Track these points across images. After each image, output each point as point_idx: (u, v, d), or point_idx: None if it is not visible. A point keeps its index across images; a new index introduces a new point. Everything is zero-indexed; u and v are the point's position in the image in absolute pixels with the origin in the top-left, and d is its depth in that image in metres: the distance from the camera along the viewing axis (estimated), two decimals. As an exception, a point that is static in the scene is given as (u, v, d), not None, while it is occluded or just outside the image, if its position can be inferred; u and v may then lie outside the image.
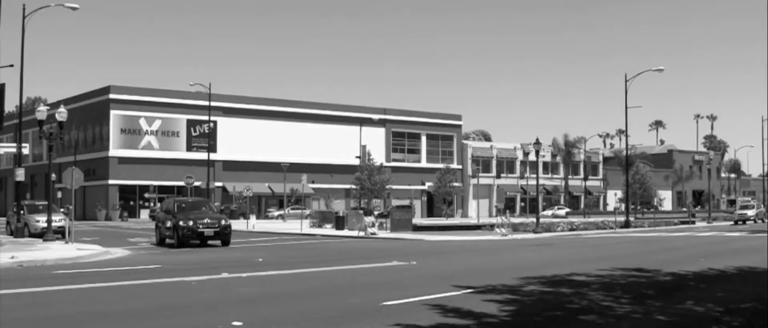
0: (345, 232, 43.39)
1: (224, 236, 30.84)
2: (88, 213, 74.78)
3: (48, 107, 35.03)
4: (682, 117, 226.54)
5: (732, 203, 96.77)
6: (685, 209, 77.58)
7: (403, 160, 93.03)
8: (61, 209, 44.88)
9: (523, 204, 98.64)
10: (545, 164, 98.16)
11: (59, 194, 55.99)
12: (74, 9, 38.19)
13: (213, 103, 74.19)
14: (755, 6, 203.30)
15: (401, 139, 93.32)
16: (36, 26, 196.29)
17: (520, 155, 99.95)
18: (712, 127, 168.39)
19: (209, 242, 30.64)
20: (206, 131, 76.39)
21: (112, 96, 74.80)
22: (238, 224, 56.08)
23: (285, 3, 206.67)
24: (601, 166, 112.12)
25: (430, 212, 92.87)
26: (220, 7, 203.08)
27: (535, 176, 52.24)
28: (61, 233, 32.64)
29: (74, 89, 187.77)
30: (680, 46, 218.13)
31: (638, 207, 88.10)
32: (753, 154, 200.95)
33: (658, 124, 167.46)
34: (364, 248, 29.99)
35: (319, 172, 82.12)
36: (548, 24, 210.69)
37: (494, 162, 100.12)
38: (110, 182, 74.14)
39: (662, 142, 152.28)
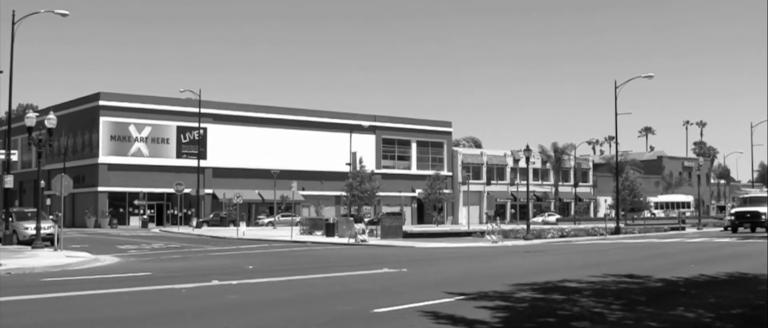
0: (335, 239, 43.28)
1: None
2: (77, 220, 74.44)
3: (37, 114, 34.79)
4: (672, 123, 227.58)
5: (721, 209, 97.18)
6: (675, 215, 77.77)
7: (393, 167, 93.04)
8: (50, 216, 44.62)
9: (513, 211, 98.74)
10: (535, 170, 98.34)
11: (48, 201, 55.72)
12: (64, 15, 38.04)
13: (203, 110, 74.06)
14: (746, 12, 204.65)
15: (391, 146, 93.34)
16: (26, 32, 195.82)
17: (510, 162, 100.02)
18: (701, 134, 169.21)
19: None
20: (196, 138, 76.26)
21: (101, 103, 74.55)
22: (228, 232, 55.95)
23: (276, 10, 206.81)
24: (591, 172, 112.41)
25: (421, 218, 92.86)
26: (210, 13, 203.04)
27: (525, 182, 52.26)
28: (49, 241, 32.44)
29: (64, 96, 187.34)
30: (669, 52, 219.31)
31: (629, 213, 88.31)
32: (742, 160, 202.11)
33: (648, 130, 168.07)
34: (355, 255, 29.91)
35: (309, 179, 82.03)
36: (538, 31, 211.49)
37: (484, 169, 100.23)
38: (100, 188, 73.83)
39: (652, 148, 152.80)
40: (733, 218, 48.99)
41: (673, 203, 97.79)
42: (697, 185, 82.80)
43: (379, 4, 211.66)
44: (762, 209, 47.24)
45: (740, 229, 47.99)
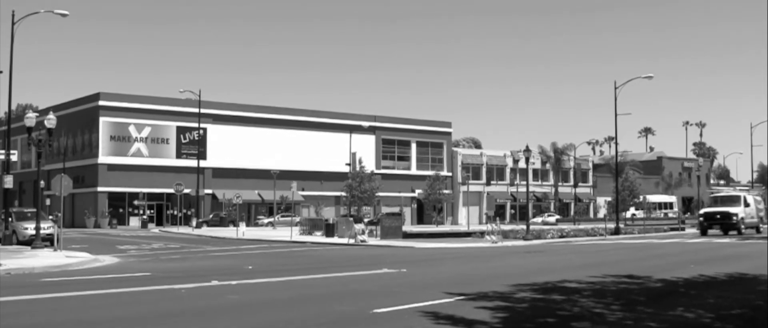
0: (335, 239, 43.29)
1: None
2: (76, 220, 74.42)
3: (37, 114, 34.80)
4: (672, 124, 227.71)
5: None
6: (675, 216, 77.84)
7: (393, 168, 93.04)
8: (50, 217, 44.60)
9: (513, 211, 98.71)
10: (535, 171, 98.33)
11: (48, 201, 55.73)
12: (64, 15, 38.02)
13: (203, 111, 74.06)
14: (746, 12, 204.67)
15: (391, 147, 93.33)
16: (26, 32, 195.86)
17: (509, 162, 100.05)
18: (701, 134, 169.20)
19: None
20: (196, 138, 76.25)
21: (101, 103, 74.55)
22: (228, 232, 55.92)
23: (276, 10, 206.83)
24: (590, 173, 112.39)
25: (421, 219, 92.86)
26: (210, 13, 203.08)
27: (525, 183, 52.27)
28: (49, 241, 32.43)
29: (64, 96, 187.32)
30: (669, 52, 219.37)
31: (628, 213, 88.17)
32: (742, 161, 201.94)
33: (648, 131, 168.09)
34: (354, 255, 29.90)
35: (309, 179, 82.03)
36: (538, 31, 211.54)
37: (484, 169, 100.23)
38: (99, 189, 73.82)
39: (652, 149, 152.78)
40: (701, 219, 45.17)
41: (657, 204, 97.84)
42: (696, 185, 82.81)
43: (379, 4, 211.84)
44: (734, 210, 43.76)
45: (710, 231, 44.38)
